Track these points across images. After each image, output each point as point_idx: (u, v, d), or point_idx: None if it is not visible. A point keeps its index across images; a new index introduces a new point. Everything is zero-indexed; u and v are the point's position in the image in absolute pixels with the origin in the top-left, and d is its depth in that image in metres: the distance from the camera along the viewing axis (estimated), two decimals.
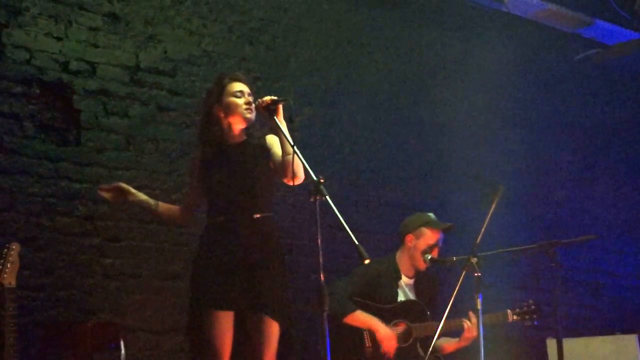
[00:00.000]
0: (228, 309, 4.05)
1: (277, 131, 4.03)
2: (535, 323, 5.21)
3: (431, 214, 5.32)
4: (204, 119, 4.24)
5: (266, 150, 4.18)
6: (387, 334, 5.01)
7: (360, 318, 5.03)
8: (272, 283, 4.07)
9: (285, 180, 4.14)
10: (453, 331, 5.15)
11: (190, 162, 4.46)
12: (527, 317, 5.18)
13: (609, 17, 7.86)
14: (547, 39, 7.94)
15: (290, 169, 3.97)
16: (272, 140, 4.21)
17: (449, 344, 5.22)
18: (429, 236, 5.21)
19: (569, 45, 8.21)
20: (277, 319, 4.08)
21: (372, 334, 5.02)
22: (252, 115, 4.14)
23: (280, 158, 4.10)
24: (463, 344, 5.14)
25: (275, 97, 3.98)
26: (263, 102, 3.97)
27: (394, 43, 7.04)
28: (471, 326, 5.06)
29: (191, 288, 4.17)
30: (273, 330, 4.09)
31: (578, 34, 8.15)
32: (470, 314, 5.06)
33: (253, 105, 4.10)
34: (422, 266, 5.21)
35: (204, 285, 4.07)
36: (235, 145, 4.19)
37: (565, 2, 7.43)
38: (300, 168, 3.99)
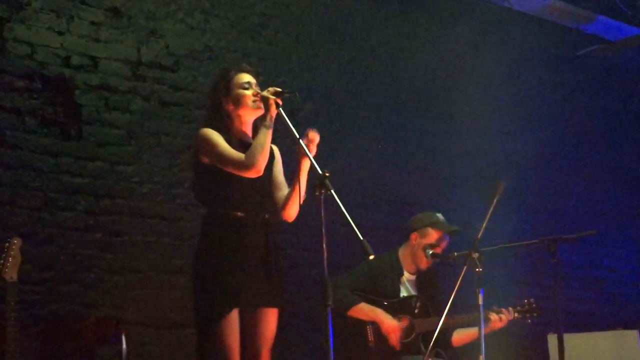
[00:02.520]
0: (257, 305, 3.98)
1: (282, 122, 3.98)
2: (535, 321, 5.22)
3: (440, 215, 5.28)
4: (213, 113, 4.09)
5: (272, 158, 4.11)
6: (393, 326, 4.99)
7: (365, 310, 5.02)
8: (280, 277, 4.06)
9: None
10: (468, 325, 5.11)
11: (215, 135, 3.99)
12: (527, 315, 5.19)
13: (611, 13, 7.87)
14: (549, 35, 7.94)
15: (292, 206, 4.04)
16: (278, 155, 4.16)
17: (468, 334, 5.16)
18: (434, 237, 5.18)
19: (572, 41, 8.21)
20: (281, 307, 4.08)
21: (375, 329, 5.02)
22: (261, 107, 4.01)
23: (278, 179, 4.12)
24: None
25: (281, 90, 3.95)
26: (269, 92, 3.93)
27: (396, 38, 7.03)
28: (503, 317, 5.07)
29: (214, 284, 3.88)
30: (276, 319, 4.06)
31: (580, 30, 8.15)
32: (504, 310, 5.08)
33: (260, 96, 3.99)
34: (424, 265, 5.19)
35: (233, 282, 3.88)
36: (248, 144, 4.01)
37: None
38: (296, 210, 4.05)
